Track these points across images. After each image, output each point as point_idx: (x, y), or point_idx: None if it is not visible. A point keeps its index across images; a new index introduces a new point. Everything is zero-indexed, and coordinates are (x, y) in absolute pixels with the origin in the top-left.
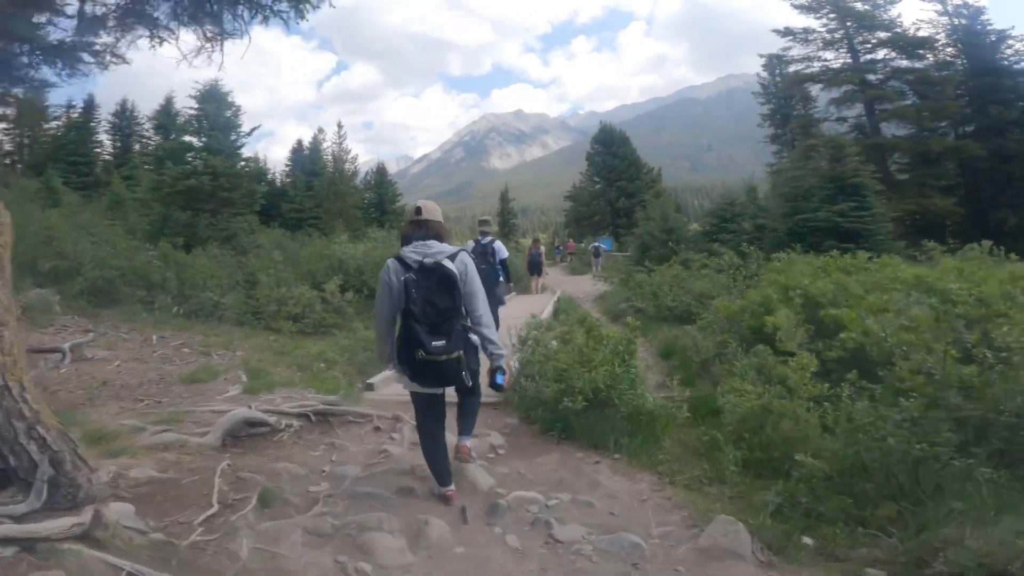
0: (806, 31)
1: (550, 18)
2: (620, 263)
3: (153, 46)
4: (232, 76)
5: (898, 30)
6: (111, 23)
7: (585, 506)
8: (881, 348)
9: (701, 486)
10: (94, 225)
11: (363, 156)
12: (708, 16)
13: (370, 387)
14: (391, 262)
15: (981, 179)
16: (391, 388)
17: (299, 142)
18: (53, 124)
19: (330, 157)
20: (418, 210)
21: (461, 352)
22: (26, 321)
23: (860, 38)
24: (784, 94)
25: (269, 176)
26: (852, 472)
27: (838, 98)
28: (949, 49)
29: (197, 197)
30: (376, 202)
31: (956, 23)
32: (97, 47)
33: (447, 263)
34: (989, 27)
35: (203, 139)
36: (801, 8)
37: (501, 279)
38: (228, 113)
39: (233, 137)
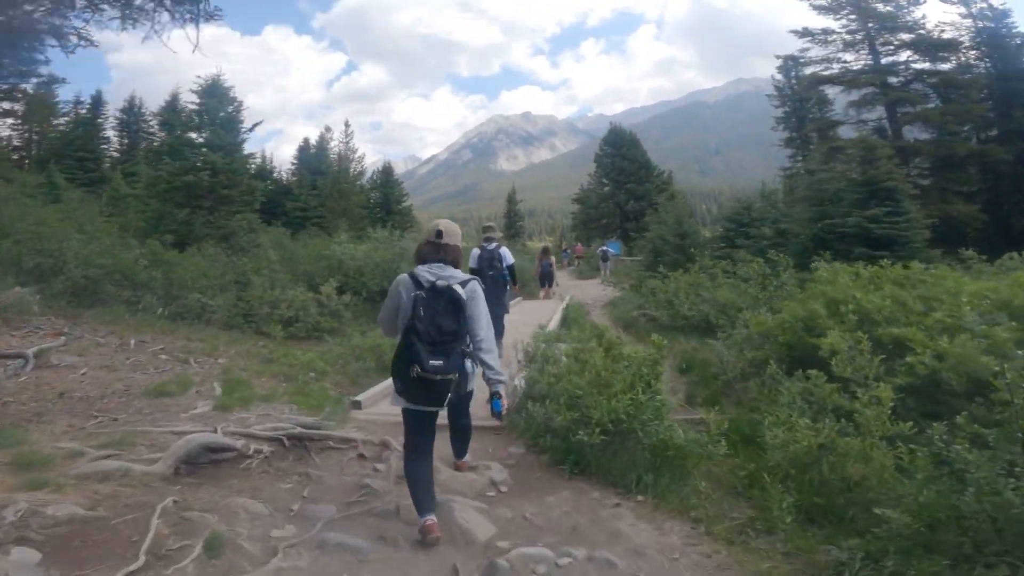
0: (825, 32)
1: (559, 20)
2: (630, 268)
3: (125, 27)
4: (242, 75)
5: (921, 32)
6: (80, 3)
7: (605, 566)
8: (962, 375)
9: (746, 538)
10: (89, 222)
11: (371, 156)
12: (718, 19)
13: (357, 405)
14: (404, 278)
15: (1004, 185)
16: (380, 406)
17: (306, 140)
18: (62, 120)
19: (335, 156)
20: (439, 233)
21: (456, 374)
22: None
23: (881, 39)
24: (800, 96)
25: (275, 175)
26: (945, 526)
27: (858, 100)
28: (973, 52)
29: (195, 194)
30: (382, 202)
31: (980, 26)
32: (64, 29)
33: (458, 288)
34: (1015, 30)
35: (203, 135)
36: (820, 8)
37: (508, 285)
38: (230, 109)
39: (234, 133)
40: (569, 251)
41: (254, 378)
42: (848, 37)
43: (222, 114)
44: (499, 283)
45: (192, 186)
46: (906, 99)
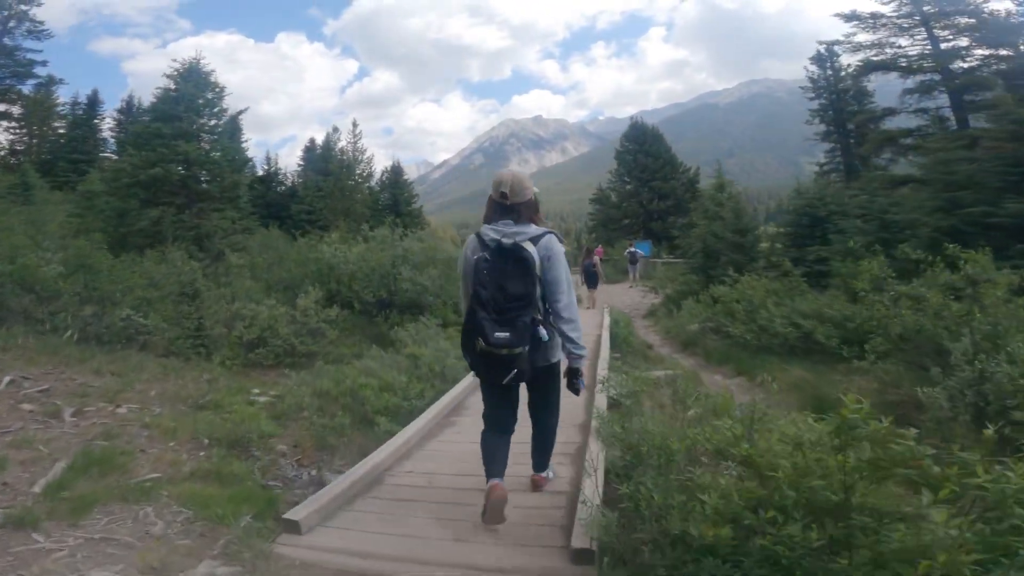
0: (874, 16)
1: (569, 24)
2: (669, 271)
3: None
4: (257, 81)
5: (984, 15)
6: None
7: None
8: None
9: None
10: (46, 223)
11: (384, 162)
12: (728, 21)
13: (293, 528)
14: (471, 238)
15: None
16: (336, 536)
17: (312, 141)
18: (61, 122)
19: (340, 153)
20: (503, 195)
21: (525, 348)
22: None
23: (939, 24)
24: (837, 88)
25: (279, 177)
26: None
27: (916, 88)
28: None
29: (164, 189)
30: (391, 203)
31: None
32: None
33: (528, 246)
34: None
35: (175, 123)
36: None
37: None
38: (210, 95)
39: (213, 122)
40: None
41: (153, 444)
42: (900, 22)
43: (200, 101)
44: None
45: (160, 180)
46: (973, 84)
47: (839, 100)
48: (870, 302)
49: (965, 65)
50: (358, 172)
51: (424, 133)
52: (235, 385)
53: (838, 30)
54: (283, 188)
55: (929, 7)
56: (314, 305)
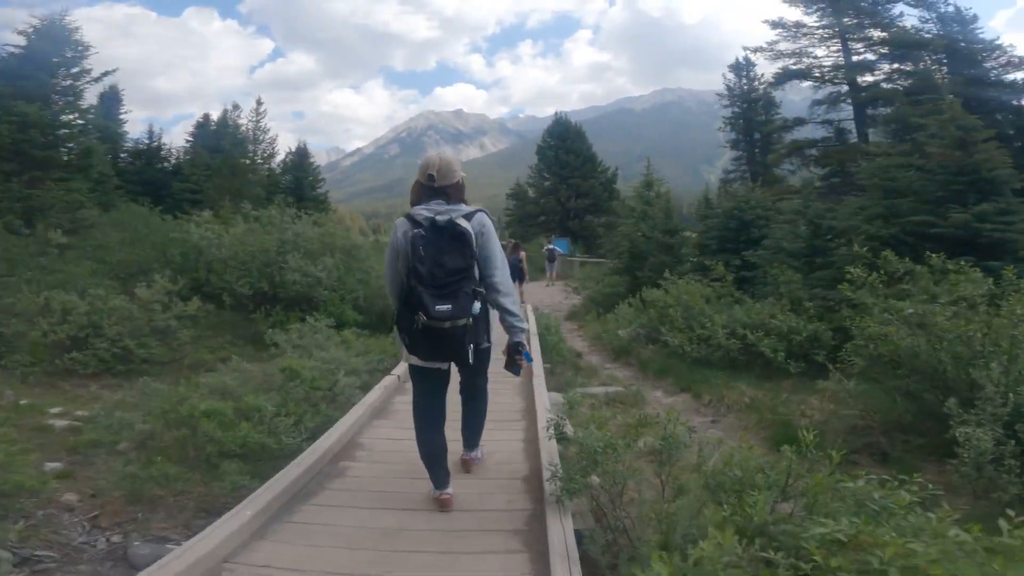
0: (797, 25)
1: (500, 19)
2: (590, 271)
3: None
4: (155, 56)
5: (895, 29)
6: None
7: None
8: None
9: None
10: None
11: (292, 145)
12: (652, 29)
13: None
14: (400, 220)
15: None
16: None
17: (206, 117)
18: None
19: (235, 131)
20: (430, 177)
21: (469, 320)
22: None
23: (856, 36)
24: (748, 98)
25: (162, 152)
26: None
27: (823, 100)
28: (935, 56)
29: None
30: (293, 186)
31: (945, 30)
32: None
33: (462, 222)
34: (979, 35)
35: (19, 82)
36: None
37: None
38: (68, 54)
39: (69, 83)
40: (506, 248)
41: None
42: (820, 32)
43: (55, 59)
44: None
45: None
46: (877, 98)
47: (750, 109)
48: (849, 315)
49: (872, 79)
50: (258, 152)
51: (339, 120)
52: (29, 402)
53: (750, 44)
54: (166, 165)
55: (848, 19)
56: (165, 297)
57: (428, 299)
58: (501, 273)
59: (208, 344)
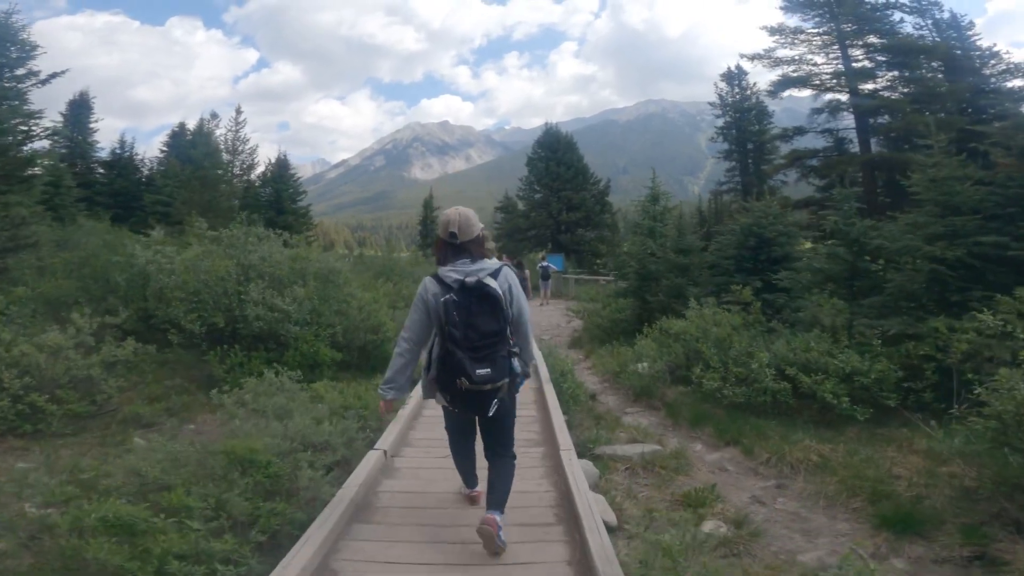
0: (796, 31)
1: (487, 32)
2: (588, 290)
3: None
4: (135, 65)
5: (895, 37)
6: None
7: None
8: None
9: None
10: None
11: (274, 155)
12: (636, 42)
13: None
14: (428, 281)
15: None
16: None
17: (181, 125)
18: None
19: (208, 140)
20: (452, 235)
21: (506, 381)
22: None
23: (854, 42)
24: (742, 107)
25: (136, 162)
26: None
27: (824, 106)
28: (936, 63)
29: None
30: (273, 199)
31: (942, 37)
32: None
33: (490, 282)
34: (975, 42)
35: None
36: (789, 7)
37: None
38: (14, 55)
39: (12, 85)
40: None
41: None
42: (819, 40)
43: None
44: None
45: None
46: (882, 106)
47: (743, 119)
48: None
49: (875, 86)
50: (237, 163)
51: (324, 131)
52: None
53: (730, 59)
54: (138, 176)
55: (847, 25)
56: (90, 337)
57: (468, 364)
58: (529, 328)
59: (149, 392)
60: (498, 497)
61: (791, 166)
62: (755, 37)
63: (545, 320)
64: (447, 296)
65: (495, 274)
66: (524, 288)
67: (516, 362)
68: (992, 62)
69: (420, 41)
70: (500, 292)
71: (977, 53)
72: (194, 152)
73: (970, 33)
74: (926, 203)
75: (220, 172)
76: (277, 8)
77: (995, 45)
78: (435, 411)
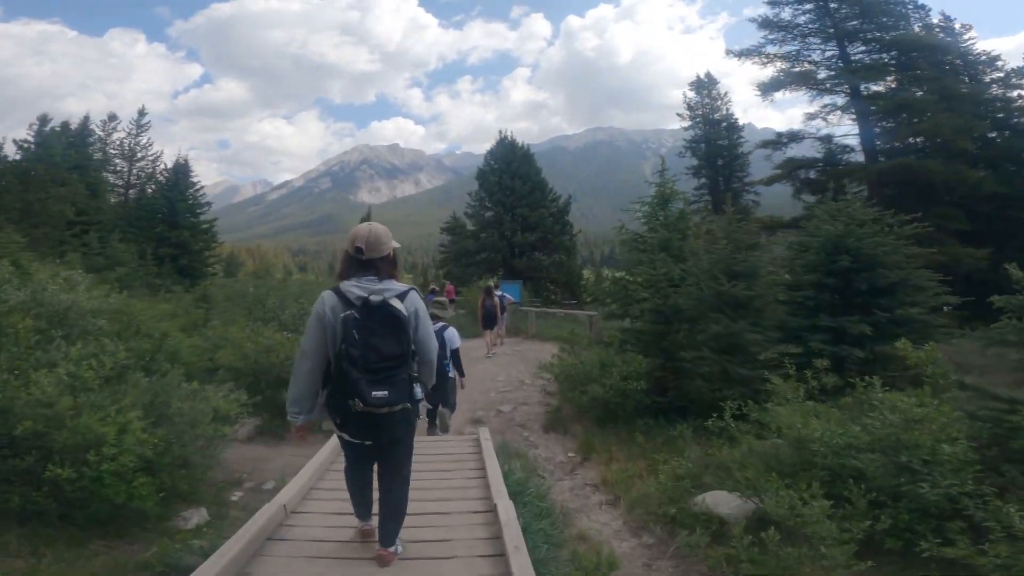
0: (788, 25)
1: (443, 55)
2: (554, 326)
3: None
4: (65, 77)
5: (896, 33)
6: None
7: None
8: None
9: None
10: None
11: (215, 177)
12: (586, 69)
13: None
14: (327, 294)
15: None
16: None
17: (42, 118)
18: None
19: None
20: (359, 249)
21: (406, 405)
22: None
23: (853, 39)
24: (711, 119)
25: None
26: None
27: (821, 110)
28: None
29: None
30: (166, 213)
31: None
32: None
33: (396, 303)
34: (972, 46)
35: None
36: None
37: (452, 374)
38: None
39: None
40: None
41: None
42: (812, 37)
43: None
44: (442, 371)
45: None
46: (899, 108)
47: (712, 132)
48: None
49: (880, 88)
50: (135, 170)
51: (267, 151)
52: None
53: (676, 89)
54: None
55: (847, 21)
56: None
57: (364, 385)
58: (432, 356)
59: None
60: (390, 528)
61: (785, 178)
62: (700, 65)
63: (502, 372)
64: (347, 312)
65: (402, 296)
66: (503, 310)
67: (418, 388)
68: (989, 70)
69: (374, 62)
70: (406, 314)
71: (972, 58)
72: (53, 150)
73: (967, 38)
74: None
75: (48, 174)
76: (225, 23)
77: (993, 50)
78: None
